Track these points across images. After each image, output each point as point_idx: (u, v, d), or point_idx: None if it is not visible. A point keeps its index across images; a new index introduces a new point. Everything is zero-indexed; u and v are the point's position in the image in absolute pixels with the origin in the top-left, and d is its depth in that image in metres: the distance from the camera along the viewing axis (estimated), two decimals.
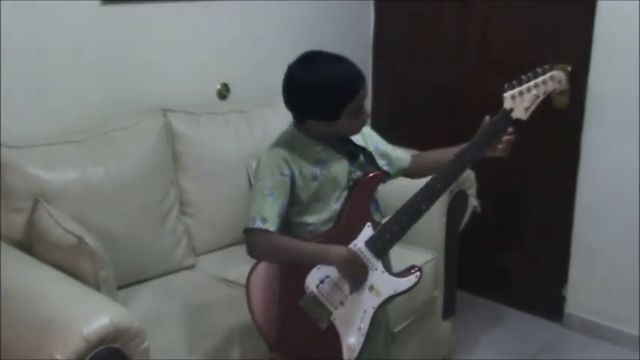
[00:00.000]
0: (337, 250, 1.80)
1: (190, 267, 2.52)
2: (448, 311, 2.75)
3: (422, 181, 1.88)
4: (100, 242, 1.96)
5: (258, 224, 1.75)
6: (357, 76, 1.79)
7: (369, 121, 1.96)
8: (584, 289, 3.09)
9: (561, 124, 2.93)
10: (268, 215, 1.75)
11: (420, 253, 2.52)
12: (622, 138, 2.84)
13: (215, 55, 2.89)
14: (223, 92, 2.92)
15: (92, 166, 2.27)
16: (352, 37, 3.44)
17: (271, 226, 1.75)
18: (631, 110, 2.79)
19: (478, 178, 2.65)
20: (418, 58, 3.44)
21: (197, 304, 2.24)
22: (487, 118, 1.84)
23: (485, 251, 3.30)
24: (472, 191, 2.65)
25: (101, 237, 2.00)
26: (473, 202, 2.66)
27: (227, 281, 2.40)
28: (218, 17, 2.86)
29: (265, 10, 3.01)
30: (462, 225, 2.70)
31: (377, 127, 2.10)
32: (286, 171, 1.79)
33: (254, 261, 2.52)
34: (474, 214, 2.74)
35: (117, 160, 2.33)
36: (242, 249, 2.64)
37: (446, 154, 1.91)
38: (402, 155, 2.04)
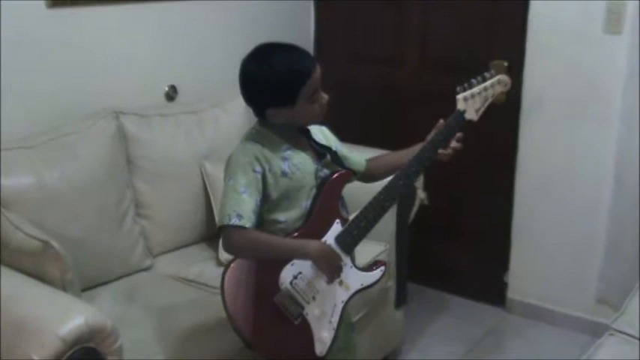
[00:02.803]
0: (313, 243, 1.84)
1: (148, 268, 2.52)
2: (400, 301, 2.83)
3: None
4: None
5: (234, 221, 1.74)
6: (309, 59, 1.84)
7: None
8: (524, 275, 3.24)
9: (499, 120, 3.05)
10: (244, 212, 1.75)
11: (373, 245, 2.58)
12: (556, 133, 2.98)
13: (162, 57, 2.89)
14: (171, 94, 2.93)
15: (48, 170, 2.25)
16: (293, 38, 3.38)
17: (247, 222, 1.75)
18: (564, 105, 2.92)
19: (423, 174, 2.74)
20: (359, 58, 3.51)
21: (159, 304, 2.25)
22: (441, 121, 1.92)
23: (431, 243, 3.39)
24: (419, 184, 2.75)
25: (59, 241, 1.98)
26: (420, 194, 2.76)
27: (186, 280, 2.43)
28: (163, 19, 2.87)
29: (206, 11, 3.03)
30: (412, 217, 2.80)
31: None
32: (258, 168, 1.80)
33: (210, 260, 2.58)
34: (420, 207, 2.83)
35: (72, 163, 2.32)
36: (197, 249, 2.71)
37: (395, 158, 2.00)
38: (359, 159, 2.08)
